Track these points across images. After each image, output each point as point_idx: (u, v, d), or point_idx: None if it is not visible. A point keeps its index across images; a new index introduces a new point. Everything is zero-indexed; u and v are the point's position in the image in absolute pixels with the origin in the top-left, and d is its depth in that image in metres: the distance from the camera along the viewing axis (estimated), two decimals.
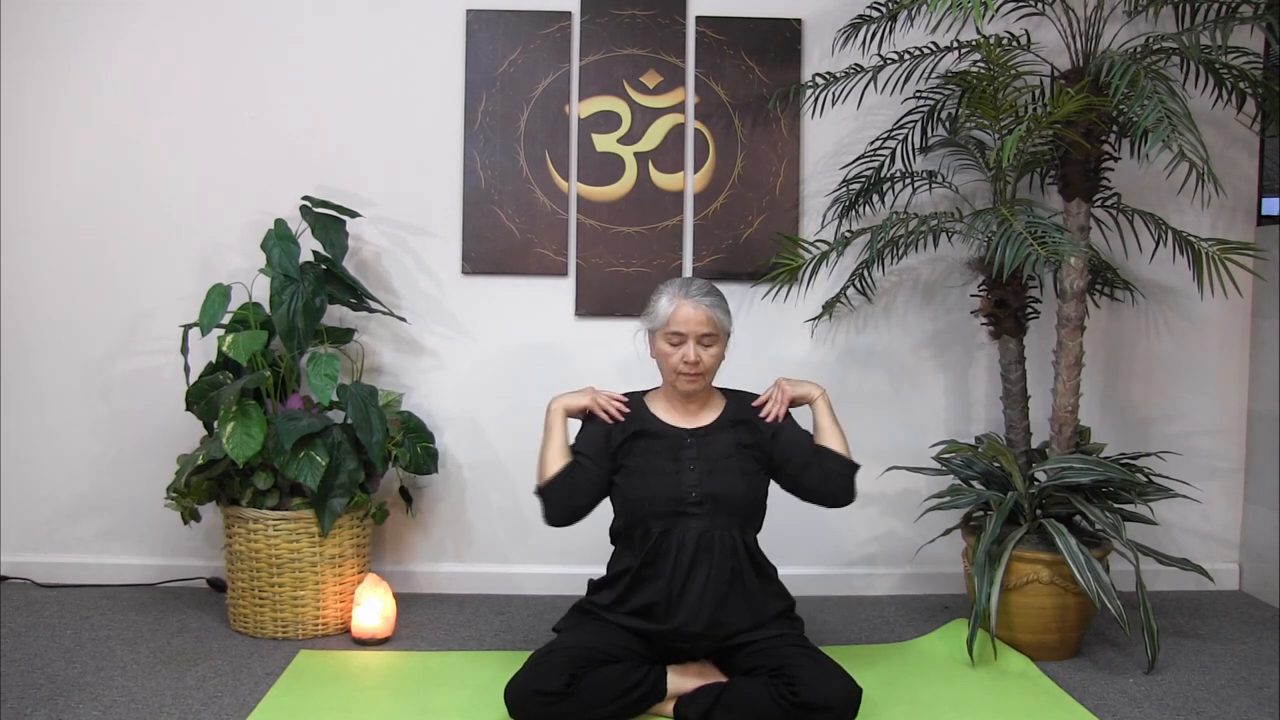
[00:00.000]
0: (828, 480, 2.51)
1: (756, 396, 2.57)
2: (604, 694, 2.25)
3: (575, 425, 2.58)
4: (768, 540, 2.52)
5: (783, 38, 3.29)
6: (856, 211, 3.25)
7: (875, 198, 3.23)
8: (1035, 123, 2.70)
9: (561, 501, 2.47)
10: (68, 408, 3.30)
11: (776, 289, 3.27)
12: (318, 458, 2.77)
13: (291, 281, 2.89)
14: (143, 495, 3.25)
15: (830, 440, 2.53)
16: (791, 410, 2.57)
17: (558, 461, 2.47)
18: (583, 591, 2.55)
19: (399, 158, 3.27)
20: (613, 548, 2.53)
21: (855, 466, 2.53)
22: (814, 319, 3.33)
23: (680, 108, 3.29)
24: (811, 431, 2.56)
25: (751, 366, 3.03)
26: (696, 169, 3.30)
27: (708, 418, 2.52)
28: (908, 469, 3.06)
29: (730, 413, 2.53)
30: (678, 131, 3.29)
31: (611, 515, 2.53)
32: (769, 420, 2.53)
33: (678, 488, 2.42)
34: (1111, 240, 3.24)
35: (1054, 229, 2.66)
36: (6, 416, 3.31)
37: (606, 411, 2.51)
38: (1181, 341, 3.44)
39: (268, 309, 2.95)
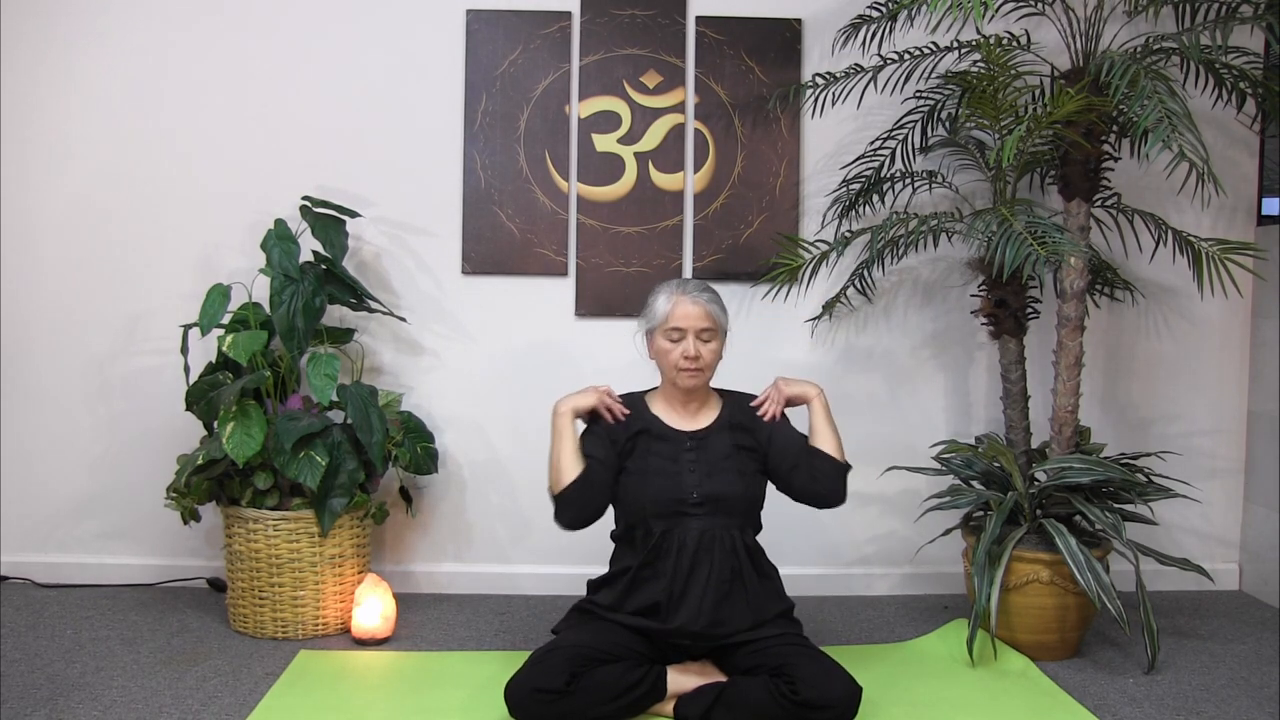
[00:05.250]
0: (817, 481, 2.50)
1: (754, 397, 2.57)
2: (604, 693, 2.25)
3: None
4: (767, 541, 2.52)
5: (783, 38, 3.29)
6: (856, 211, 3.25)
7: (875, 198, 3.23)
8: (1035, 123, 2.70)
9: (580, 505, 2.45)
10: (68, 408, 3.30)
11: (776, 289, 3.27)
12: (318, 458, 2.77)
13: (291, 281, 2.89)
14: (143, 495, 3.25)
15: (823, 442, 2.52)
16: (789, 410, 2.57)
17: (573, 465, 2.44)
18: (583, 591, 2.54)
19: (399, 158, 3.27)
20: (613, 548, 2.53)
21: (846, 468, 2.52)
22: (814, 319, 3.33)
23: (680, 108, 3.29)
24: (807, 433, 2.56)
25: (751, 366, 3.02)
26: (696, 169, 3.30)
27: (706, 419, 2.52)
28: (908, 469, 3.05)
29: (727, 415, 2.53)
30: (678, 131, 3.29)
31: (612, 517, 2.53)
32: (765, 419, 2.53)
33: (679, 489, 2.42)
34: (1111, 240, 3.24)
35: (1054, 229, 2.66)
36: (6, 416, 3.31)
37: (612, 411, 2.51)
38: (1181, 341, 3.44)
39: (268, 309, 2.95)
